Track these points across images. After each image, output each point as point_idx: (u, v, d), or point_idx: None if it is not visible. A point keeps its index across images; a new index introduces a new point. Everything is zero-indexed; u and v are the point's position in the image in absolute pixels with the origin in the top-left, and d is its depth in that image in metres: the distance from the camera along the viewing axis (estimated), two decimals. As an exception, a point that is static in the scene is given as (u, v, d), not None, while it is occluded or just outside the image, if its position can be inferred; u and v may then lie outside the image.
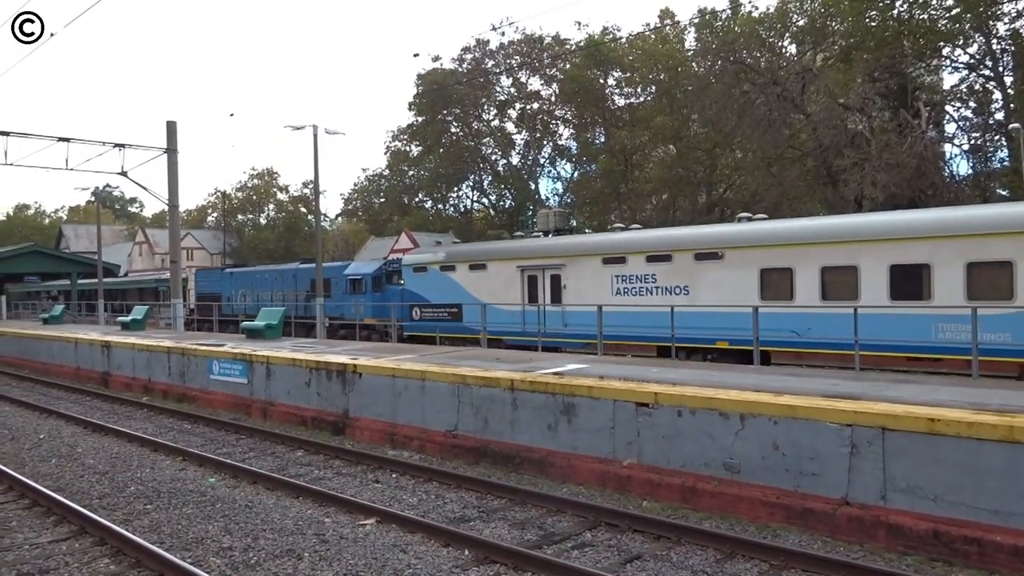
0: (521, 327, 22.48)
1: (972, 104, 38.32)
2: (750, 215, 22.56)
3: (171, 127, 28.99)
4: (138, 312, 28.41)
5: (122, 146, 28.44)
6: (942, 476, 7.62)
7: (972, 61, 37.34)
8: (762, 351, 16.32)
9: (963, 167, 39.90)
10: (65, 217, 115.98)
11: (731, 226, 21.66)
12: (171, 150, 28.71)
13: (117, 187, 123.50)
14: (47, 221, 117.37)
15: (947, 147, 38.95)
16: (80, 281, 46.71)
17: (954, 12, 35.04)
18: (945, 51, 37.84)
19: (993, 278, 15.10)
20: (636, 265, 20.79)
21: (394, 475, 11.44)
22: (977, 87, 37.93)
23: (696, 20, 46.15)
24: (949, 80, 42.20)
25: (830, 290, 17.23)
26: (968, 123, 38.94)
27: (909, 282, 16.09)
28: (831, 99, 35.17)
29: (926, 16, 35.99)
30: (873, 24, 36.74)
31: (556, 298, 22.55)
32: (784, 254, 18.09)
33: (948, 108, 38.93)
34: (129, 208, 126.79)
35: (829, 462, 8.35)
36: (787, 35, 41.72)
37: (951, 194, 33.18)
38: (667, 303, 18.68)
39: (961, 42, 36.81)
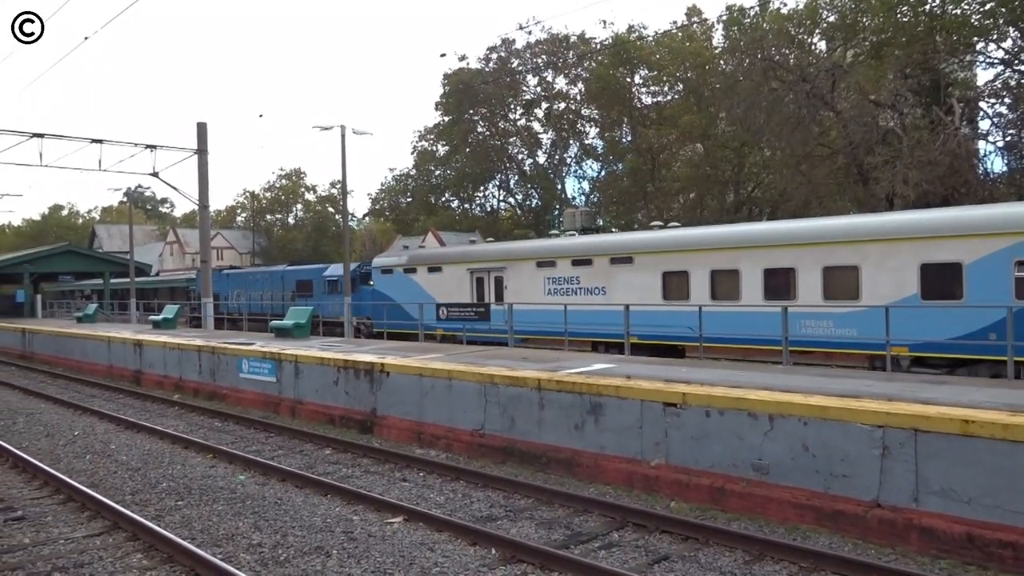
0: (471, 323, 24.25)
1: (1007, 100, 37.59)
2: (662, 223, 25.19)
3: (202, 128, 29.32)
4: (169, 311, 28.80)
5: (154, 147, 28.82)
6: (976, 478, 7.49)
7: (1007, 56, 36.62)
8: (674, 345, 19.30)
9: (998, 164, 39.20)
10: (98, 217, 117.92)
11: (640, 234, 24.55)
12: (201, 151, 29.05)
13: (149, 188, 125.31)
14: (80, 221, 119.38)
15: (981, 144, 38.25)
16: (113, 280, 47.42)
17: (988, 6, 34.40)
18: (979, 46, 37.15)
19: (844, 281, 17.29)
20: (564, 268, 23.35)
21: (421, 474, 11.48)
22: (1012, 83, 37.22)
23: (724, 17, 45.77)
24: (983, 76, 41.42)
25: (718, 290, 19.45)
26: (1003, 119, 38.19)
27: (779, 284, 18.30)
28: (862, 96, 34.69)
29: (959, 11, 35.36)
30: (905, 19, 36.17)
31: (499, 297, 25.05)
32: (681, 259, 20.45)
33: (982, 104, 38.22)
34: (160, 208, 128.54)
35: (860, 464, 8.25)
36: (817, 32, 41.21)
37: (985, 192, 32.58)
38: (589, 302, 21.57)
39: (995, 37, 36.11)
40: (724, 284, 19.35)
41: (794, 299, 17.64)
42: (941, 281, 16.10)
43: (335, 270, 34.94)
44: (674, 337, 19.24)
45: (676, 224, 24.64)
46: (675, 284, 20.39)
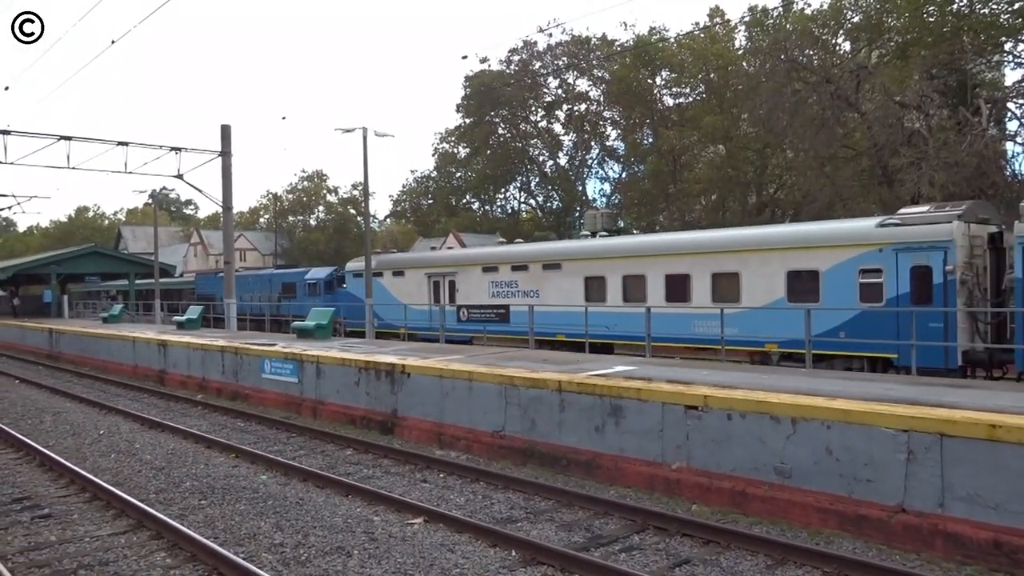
0: (428, 322, 26.58)
1: (1036, 101, 37.02)
2: (589, 233, 27.76)
3: (225, 131, 29.56)
4: (193, 312, 29.06)
5: (178, 150, 29.11)
6: (1003, 484, 7.39)
7: (1036, 56, 36.10)
8: (602, 343, 21.54)
9: (1026, 166, 38.56)
10: (124, 219, 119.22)
11: (568, 243, 28.27)
12: (225, 153, 29.29)
13: (173, 189, 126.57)
14: (106, 223, 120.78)
15: (1009, 145, 37.72)
16: (138, 281, 47.98)
17: (1017, 6, 33.93)
18: (1007, 46, 36.65)
19: (728, 286, 19.53)
20: (505, 273, 25.95)
21: (442, 475, 11.51)
22: (1041, 83, 36.64)
23: (747, 18, 45.50)
24: (1011, 76, 40.89)
25: (629, 294, 21.75)
26: (1031, 120, 37.63)
27: (677, 288, 20.54)
28: (887, 97, 34.28)
29: (987, 11, 34.91)
30: (931, 19, 35.75)
31: (452, 299, 27.61)
32: (600, 265, 22.87)
33: (1010, 105, 37.67)
34: (184, 210, 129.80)
35: (885, 468, 8.16)
36: (841, 32, 40.86)
37: (1013, 194, 32.10)
38: (526, 303, 23.27)
39: (1024, 37, 35.61)
40: (634, 288, 21.71)
41: (689, 302, 20.14)
42: (803, 286, 18.29)
43: (315, 274, 38.28)
44: (594, 335, 20.88)
45: (605, 233, 27.63)
46: (595, 288, 22.89)
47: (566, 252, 24.79)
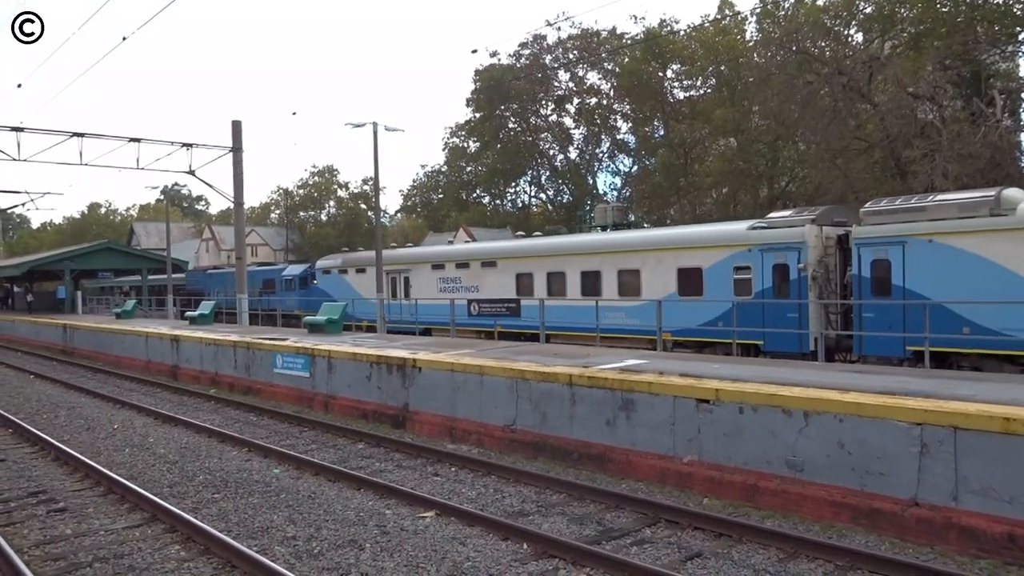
0: (386, 316, 28.37)
1: (1051, 91, 36.66)
2: (524, 232, 31.91)
3: (236, 127, 29.66)
4: (205, 307, 29.19)
5: (190, 146, 29.23)
6: (1018, 477, 7.33)
7: (1051, 46, 35.75)
8: (522, 332, 23.76)
9: (1041, 157, 38.20)
10: (136, 215, 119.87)
11: (501, 243, 30.98)
12: (236, 149, 29.39)
13: (185, 185, 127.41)
14: (119, 219, 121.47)
15: (1023, 136, 37.38)
16: (150, 277, 48.31)
17: (1031, -5, 33.61)
18: (1021, 36, 36.28)
19: (631, 281, 21.85)
20: (450, 270, 28.49)
21: (453, 469, 11.53)
22: (1056, 73, 36.30)
23: (758, 10, 45.20)
24: (1026, 67, 40.48)
25: (552, 288, 24.13)
26: (1047, 111, 37.28)
27: (591, 283, 22.88)
28: (900, 88, 34.02)
29: (1001, 0, 34.57)
30: (944, 10, 35.44)
31: (407, 294, 30.26)
32: (528, 263, 25.44)
33: (1025, 96, 37.32)
34: (196, 206, 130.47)
35: (897, 461, 8.12)
36: (853, 23, 40.55)
37: (1028, 185, 31.84)
38: (467, 298, 26.55)
39: (1039, 27, 35.25)
40: (556, 283, 24.10)
41: (601, 296, 22.20)
42: (690, 282, 20.46)
43: (291, 271, 41.26)
44: (523, 326, 23.84)
45: (539, 233, 31.03)
46: (525, 283, 25.28)
47: (500, 251, 27.47)
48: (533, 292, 24.47)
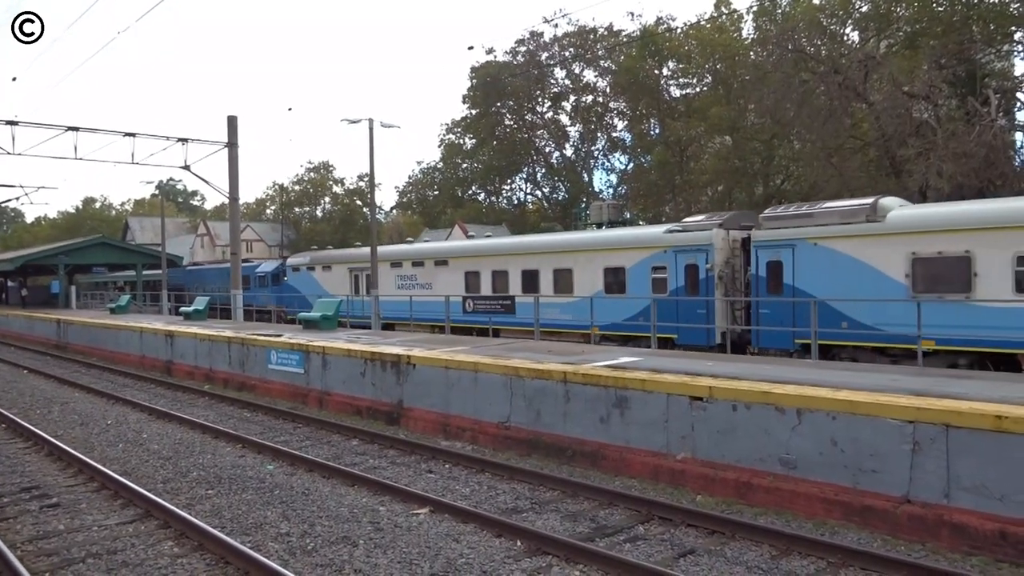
0: (349, 311, 29.06)
1: (1045, 91, 36.75)
2: (473, 235, 32.65)
3: (232, 122, 29.56)
4: (199, 303, 29.12)
5: (185, 140, 29.12)
6: (1010, 475, 7.37)
7: (1046, 46, 35.84)
8: (483, 327, 24.66)
9: (1035, 156, 38.32)
10: (131, 210, 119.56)
11: (453, 243, 34.42)
12: (232, 144, 29.30)
13: (180, 180, 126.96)
14: (113, 214, 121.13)
15: (1018, 135, 37.49)
16: (145, 272, 48.24)
17: (1027, -5, 33.67)
18: (1017, 36, 36.36)
19: (565, 280, 23.65)
20: (407, 269, 30.20)
21: (447, 465, 11.54)
22: (1051, 73, 36.38)
23: (754, 8, 45.22)
24: (1021, 66, 40.75)
25: (497, 286, 25.77)
26: (1041, 110, 37.37)
27: (530, 282, 24.54)
28: (895, 87, 34.08)
29: (996, 0, 34.64)
30: (940, 9, 35.51)
31: (368, 291, 31.15)
32: (476, 263, 27.06)
33: (1019, 95, 37.41)
34: (191, 201, 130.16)
35: (890, 459, 8.15)
36: (849, 22, 40.59)
37: (1022, 184, 31.93)
38: (422, 295, 28.01)
39: (1034, 26, 35.33)
40: (500, 281, 25.63)
41: (540, 291, 23.84)
42: (615, 280, 22.04)
43: (265, 267, 42.92)
44: (472, 321, 25.08)
45: (490, 235, 32.89)
46: (472, 281, 26.77)
47: (451, 251, 29.47)
48: (480, 289, 26.16)
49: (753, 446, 9.30)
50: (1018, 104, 37.43)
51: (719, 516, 8.53)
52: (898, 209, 17.33)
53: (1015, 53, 38.78)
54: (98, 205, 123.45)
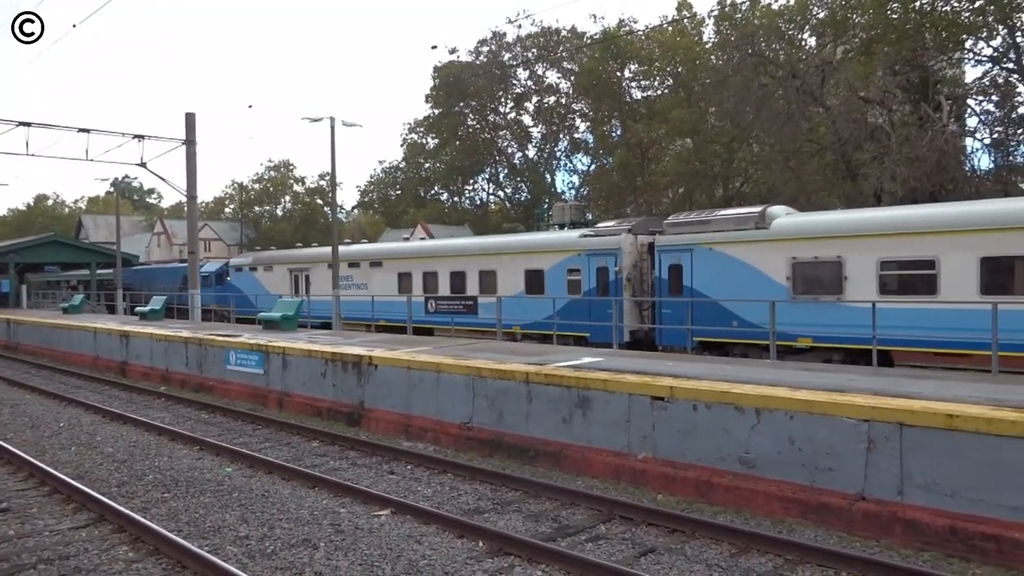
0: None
1: (995, 98, 37.78)
2: (407, 236, 34.30)
3: (190, 119, 29.11)
4: (156, 302, 28.61)
5: (141, 137, 28.58)
6: (960, 472, 7.56)
7: (995, 54, 36.80)
8: (420, 327, 25.41)
9: (984, 161, 39.40)
10: (85, 207, 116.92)
11: (386, 245, 34.78)
12: (190, 141, 28.85)
13: (135, 178, 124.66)
14: (67, 211, 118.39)
15: (969, 141, 38.46)
16: (99, 271, 47.28)
17: (977, 4, 34.56)
18: (968, 44, 37.30)
19: (489, 281, 24.68)
20: (344, 269, 30.21)
21: (409, 466, 11.48)
22: (1000, 80, 37.40)
23: (715, 12, 45.77)
24: (971, 73, 41.69)
25: (427, 286, 26.77)
26: (990, 117, 38.40)
27: (458, 283, 25.56)
28: (851, 92, 34.77)
29: (949, 8, 35.51)
30: (894, 16, 36.28)
31: (307, 291, 32.38)
32: (407, 264, 27.93)
33: (970, 102, 38.38)
34: (148, 199, 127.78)
35: (846, 457, 8.31)
36: (807, 28, 41.29)
37: (972, 188, 32.78)
38: (358, 295, 28.62)
39: (984, 35, 36.27)
40: (430, 282, 26.62)
41: (467, 293, 25.11)
42: (535, 281, 23.12)
43: (209, 267, 42.93)
44: (405, 320, 25.09)
45: (423, 237, 33.98)
46: (405, 282, 27.71)
47: (385, 253, 30.27)
48: (412, 289, 27.00)
49: (713, 445, 9.41)
50: (968, 111, 38.43)
51: (679, 515, 8.62)
52: (783, 217, 18.48)
53: (966, 61, 39.79)
54: (50, 202, 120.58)
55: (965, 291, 14.75)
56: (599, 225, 23.89)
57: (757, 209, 18.96)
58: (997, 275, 14.71)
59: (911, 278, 15.81)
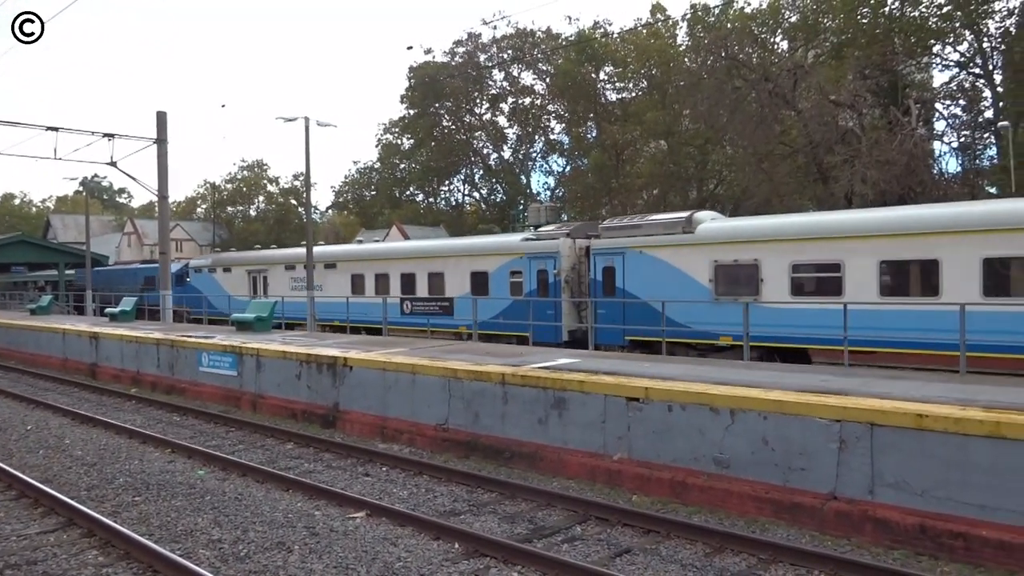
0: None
1: (962, 102, 38.48)
2: (361, 239, 34.71)
3: (161, 117, 28.77)
4: (126, 303, 28.25)
5: (111, 136, 28.19)
6: (929, 471, 7.68)
7: (962, 59, 37.49)
8: (368, 327, 25.96)
9: (952, 165, 40.11)
10: (53, 207, 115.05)
11: (341, 247, 34.46)
12: (161, 140, 28.51)
13: (105, 177, 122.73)
14: (34, 211, 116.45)
15: (937, 144, 39.11)
16: (68, 272, 46.66)
17: (945, 10, 35.20)
18: (936, 49, 37.97)
19: (438, 283, 25.52)
20: (299, 271, 30.62)
21: (384, 468, 11.43)
22: (967, 85, 38.09)
23: (688, 15, 46.13)
24: (939, 78, 42.65)
25: (379, 288, 27.16)
26: (957, 121, 39.11)
27: (409, 284, 26.26)
28: (822, 96, 35.22)
29: (917, 14, 36.10)
30: (865, 21, 36.82)
31: (266, 292, 32.71)
32: (360, 266, 28.50)
33: (938, 106, 39.08)
34: (118, 198, 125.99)
35: (817, 457, 8.41)
36: (779, 31, 41.77)
37: (940, 191, 33.34)
38: (316, 296, 27.99)
39: (952, 40, 36.94)
40: (381, 284, 27.23)
41: (417, 293, 25.87)
42: (480, 283, 23.77)
43: (172, 268, 42.95)
44: (358, 321, 26.32)
45: (377, 240, 34.88)
46: (357, 283, 28.37)
47: (340, 255, 30.89)
48: (364, 291, 27.68)
49: (688, 446, 9.48)
50: (936, 114, 39.05)
51: (654, 515, 8.66)
52: (707, 222, 19.27)
53: (934, 65, 40.44)
54: (17, 202, 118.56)
55: (866, 293, 15.74)
56: (539, 230, 24.87)
57: (685, 214, 19.91)
58: (896, 278, 15.76)
59: (820, 280, 16.68)
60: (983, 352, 13.58)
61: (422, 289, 25.81)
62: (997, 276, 14.38)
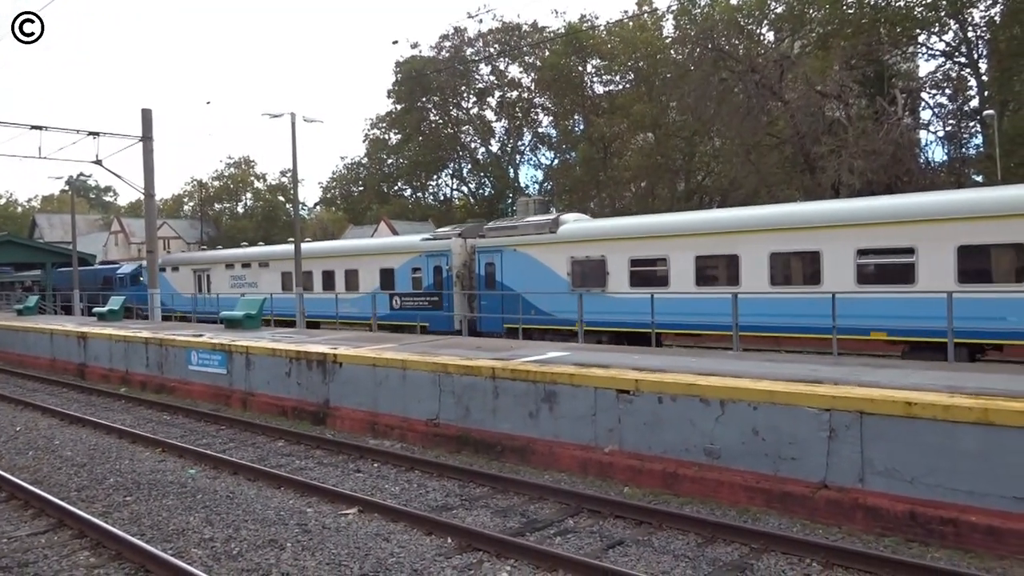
0: (193, 308, 32.81)
1: (947, 91, 38.67)
2: (293, 239, 36.72)
3: (146, 115, 28.61)
4: (114, 303, 28.08)
5: (96, 134, 28.02)
6: (919, 458, 7.73)
7: (948, 48, 37.64)
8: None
9: (939, 153, 40.40)
10: (39, 206, 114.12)
11: (273, 247, 35.88)
12: (146, 138, 28.35)
13: (91, 175, 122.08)
14: (20, 210, 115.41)
15: (923, 134, 39.29)
16: (31, 273, 46.88)
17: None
18: (921, 38, 38.10)
19: (353, 278, 27.93)
20: (237, 270, 33.82)
21: (376, 464, 11.42)
22: (952, 74, 38.27)
23: (674, 7, 46.11)
24: (925, 67, 42.71)
25: (325, 284, 29.23)
26: (943, 110, 39.30)
27: (353, 279, 28.06)
28: (808, 86, 35.29)
29: (902, 3, 36.21)
30: (850, 11, 36.91)
31: (209, 290, 34.91)
32: (288, 264, 29.20)
33: (924, 95, 39.24)
34: (104, 197, 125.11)
35: (808, 446, 8.45)
36: (765, 22, 41.80)
37: (926, 180, 33.49)
38: (252, 292, 30.39)
39: (937, 29, 37.07)
40: (328, 279, 29.20)
41: (336, 289, 28.16)
42: (387, 279, 26.57)
43: (124, 269, 45.70)
44: (282, 314, 27.75)
45: (309, 239, 37.34)
46: (287, 280, 29.60)
47: (271, 255, 33.05)
48: (313, 288, 29.64)
49: (679, 437, 9.50)
50: (922, 104, 39.22)
51: (646, 507, 8.69)
52: (569, 224, 21.98)
53: (919, 55, 40.58)
54: (3, 201, 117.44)
55: (685, 284, 18.69)
56: (436, 231, 27.89)
57: (551, 217, 23.05)
58: (706, 271, 18.51)
59: (650, 273, 19.50)
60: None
61: (340, 285, 28.27)
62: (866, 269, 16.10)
